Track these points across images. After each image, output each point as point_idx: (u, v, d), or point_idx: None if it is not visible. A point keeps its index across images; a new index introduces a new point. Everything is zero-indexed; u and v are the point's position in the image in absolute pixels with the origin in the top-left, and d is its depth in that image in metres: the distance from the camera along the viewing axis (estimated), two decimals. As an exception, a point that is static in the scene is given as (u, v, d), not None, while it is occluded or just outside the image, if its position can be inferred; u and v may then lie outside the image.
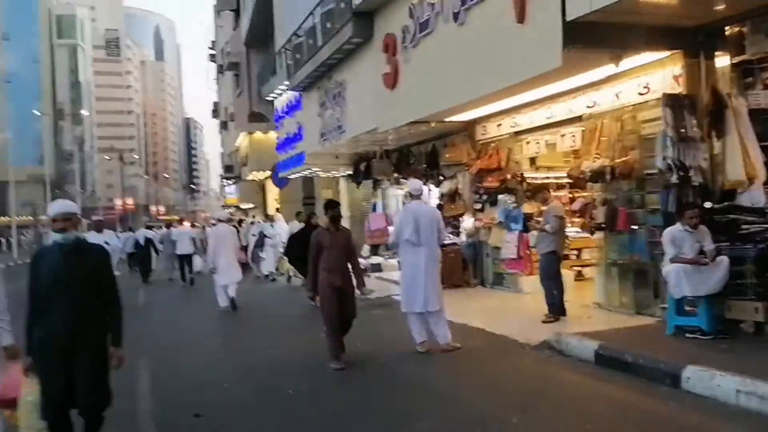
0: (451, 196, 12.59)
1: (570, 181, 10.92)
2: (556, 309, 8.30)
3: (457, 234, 12.52)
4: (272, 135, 26.58)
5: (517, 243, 10.74)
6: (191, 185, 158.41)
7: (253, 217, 24.76)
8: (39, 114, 59.93)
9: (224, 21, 37.44)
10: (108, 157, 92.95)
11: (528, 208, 10.90)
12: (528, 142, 10.81)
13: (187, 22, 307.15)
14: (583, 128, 9.14)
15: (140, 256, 19.65)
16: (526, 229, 10.72)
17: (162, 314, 12.44)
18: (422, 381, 6.33)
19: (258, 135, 27.29)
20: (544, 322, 8.24)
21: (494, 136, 11.61)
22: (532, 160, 11.62)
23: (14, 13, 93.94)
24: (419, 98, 10.49)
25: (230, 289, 11.84)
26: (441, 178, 12.81)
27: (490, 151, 11.56)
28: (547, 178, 11.85)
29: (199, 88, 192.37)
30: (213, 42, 44.27)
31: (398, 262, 8.68)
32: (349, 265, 7.07)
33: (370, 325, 9.23)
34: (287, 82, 17.19)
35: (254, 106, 30.82)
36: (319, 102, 15.20)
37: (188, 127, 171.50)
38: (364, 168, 16.45)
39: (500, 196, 11.12)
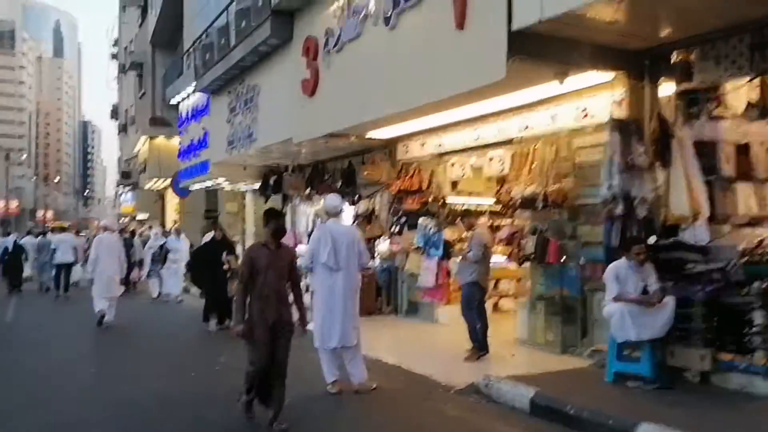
0: (367, 217, 11.78)
1: (492, 208, 10.43)
2: (479, 345, 7.59)
3: (372, 257, 11.68)
4: (175, 142, 24.90)
5: (436, 270, 10.05)
6: (85, 191, 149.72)
7: (151, 228, 22.90)
8: None
9: (129, 17, 35.30)
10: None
11: (449, 233, 10.26)
12: (453, 164, 10.17)
13: (91, 21, 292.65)
14: (513, 152, 8.59)
15: (9, 264, 18.10)
16: (446, 256, 10.07)
17: (31, 333, 10.77)
18: (333, 427, 5.39)
19: (160, 140, 25.49)
20: (466, 359, 7.52)
21: (417, 156, 10.92)
22: (454, 184, 10.98)
23: None
24: (339, 109, 9.66)
25: (105, 303, 11.02)
26: (357, 197, 11.96)
27: (411, 171, 10.85)
28: (467, 203, 11.32)
29: (99, 91, 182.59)
30: (116, 40, 41.69)
31: (309, 288, 7.66)
32: (290, 294, 5.49)
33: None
34: (194, 84, 15.89)
35: (157, 110, 28.94)
36: (228, 107, 14.04)
37: (85, 131, 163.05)
38: (273, 182, 15.36)
39: (420, 220, 10.40)
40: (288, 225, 15.96)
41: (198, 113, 16.75)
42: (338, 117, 9.77)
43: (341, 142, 11.28)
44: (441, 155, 10.41)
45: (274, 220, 5.44)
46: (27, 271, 19.04)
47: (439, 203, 10.36)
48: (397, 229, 11.10)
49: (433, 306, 10.32)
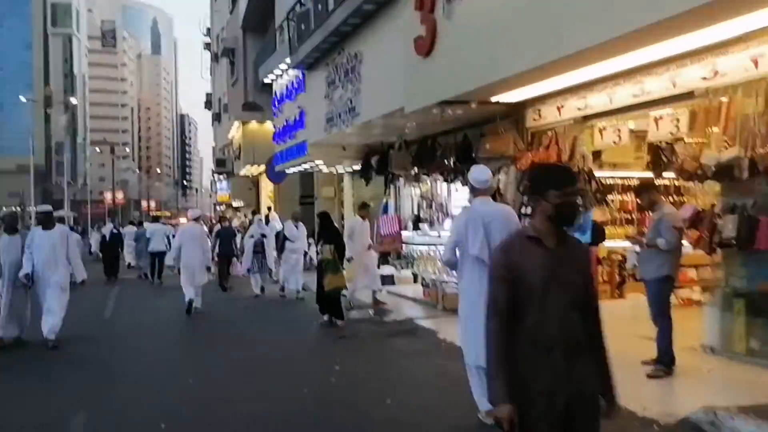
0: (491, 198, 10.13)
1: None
2: (668, 356, 5.86)
3: (497, 244, 10.11)
4: (269, 126, 24.13)
5: (583, 259, 8.31)
6: (184, 182, 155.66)
7: (248, 216, 22.21)
8: (25, 100, 56.56)
9: (221, 5, 35.02)
10: (99, 150, 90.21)
11: (598, 214, 8.50)
12: (603, 129, 8.35)
13: (185, 18, 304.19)
14: (692, 108, 6.73)
15: (106, 252, 18.73)
16: (595, 241, 8.32)
17: (131, 338, 9.88)
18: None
19: (253, 125, 24.81)
20: (651, 375, 5.81)
21: (551, 122, 9.14)
22: (595, 155, 9.18)
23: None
24: (461, 69, 8.09)
25: (193, 291, 11.00)
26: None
27: (546, 141, 9.11)
28: (614, 177, 9.54)
29: (194, 84, 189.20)
30: (208, 29, 41.76)
31: (458, 287, 6.16)
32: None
33: (396, 366, 6.82)
34: (289, 60, 14.73)
35: (249, 95, 28.40)
36: (326, 81, 12.74)
37: (183, 124, 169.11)
38: (376, 162, 13.98)
39: (561, 198, 8.66)
40: (391, 209, 14.60)
41: (293, 92, 15.61)
42: (459, 79, 8.21)
43: (460, 110, 9.69)
44: (585, 119, 8.62)
45: (560, 182, 2.65)
46: (128, 259, 20.21)
47: (585, 178, 8.58)
48: (529, 210, 9.40)
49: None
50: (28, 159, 53.54)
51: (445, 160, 11.52)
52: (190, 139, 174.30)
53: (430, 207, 14.25)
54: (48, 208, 9.09)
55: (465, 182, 11.27)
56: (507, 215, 5.01)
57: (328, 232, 9.88)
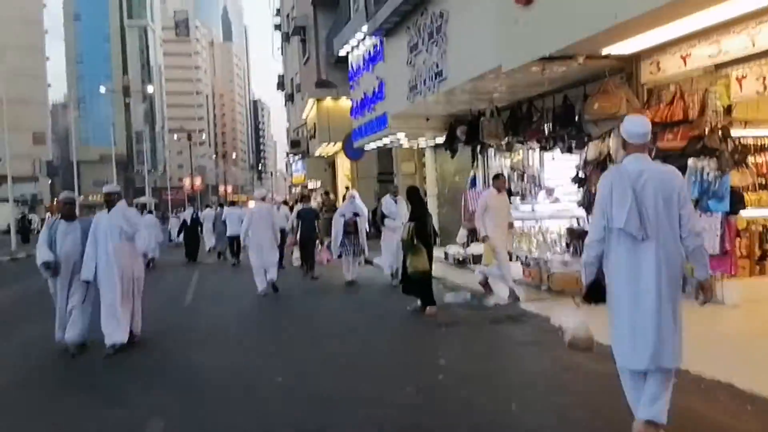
0: (600, 164, 9.01)
1: None
2: None
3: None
4: (344, 102, 23.46)
5: (719, 230, 7.15)
6: (258, 166, 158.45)
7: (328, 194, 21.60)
8: (104, 91, 58.27)
9: (290, -18, 34.48)
10: (177, 137, 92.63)
11: (736, 178, 7.30)
12: (742, 78, 7.11)
13: (255, 4, 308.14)
14: None
15: (187, 235, 18.94)
16: (734, 210, 7.15)
17: (210, 332, 9.39)
18: None
19: (327, 102, 24.14)
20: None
21: (673, 75, 7.93)
22: (727, 111, 7.90)
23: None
24: (570, 16, 7.05)
25: (270, 271, 10.94)
26: (586, 138, 9.22)
27: (670, 96, 7.91)
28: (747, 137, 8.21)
29: (265, 70, 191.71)
30: (278, 10, 41.43)
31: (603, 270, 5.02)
32: None
33: (510, 360, 5.95)
34: (365, 28, 13.88)
35: (322, 72, 27.77)
36: (408, 46, 11.83)
37: (255, 109, 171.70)
38: (462, 132, 13.00)
39: (689, 162, 7.49)
40: (480, 182, 13.63)
41: (370, 61, 14.76)
42: (565, 29, 7.19)
43: (563, 66, 8.59)
44: (717, 68, 7.39)
45: None
46: (208, 243, 20.21)
47: (720, 137, 7.36)
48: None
49: (715, 280, 7.43)
50: (111, 149, 55.16)
51: (542, 126, 10.45)
52: (263, 123, 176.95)
53: (522, 179, 13.19)
54: (113, 188, 7.59)
55: (565, 148, 10.21)
56: (670, 176, 3.94)
57: (415, 208, 8.99)
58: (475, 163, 13.48)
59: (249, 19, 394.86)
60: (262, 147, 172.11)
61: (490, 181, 13.43)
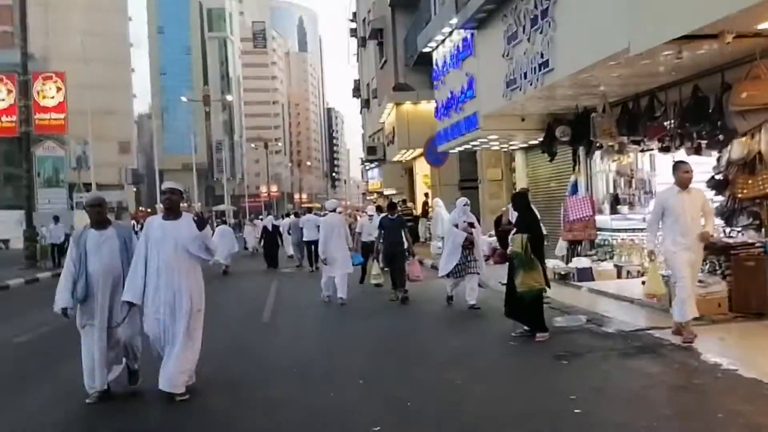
0: (747, 165, 7.54)
1: None
2: None
3: (758, 227, 7.49)
4: (424, 107, 22.41)
5: None
6: (332, 174, 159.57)
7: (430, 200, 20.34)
8: (186, 100, 59.56)
9: (366, -14, 33.83)
10: (254, 146, 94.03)
11: None
12: None
13: (329, 14, 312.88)
14: None
15: (267, 243, 19.13)
16: None
17: (290, 359, 8.45)
18: None
19: (407, 107, 23.11)
20: None
21: None
22: None
23: (167, 7, 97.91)
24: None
25: (340, 287, 10.59)
26: (728, 136, 7.74)
27: None
28: None
29: (340, 79, 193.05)
30: (354, 14, 40.88)
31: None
32: None
33: (671, 416, 4.64)
34: (454, 20, 12.76)
35: (400, 76, 26.87)
36: (505, 36, 10.61)
37: (329, 117, 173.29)
38: (563, 132, 11.65)
39: None
40: (582, 188, 12.24)
41: (458, 58, 13.61)
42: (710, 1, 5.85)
43: (703, 46, 7.19)
44: None
45: None
46: (288, 251, 20.05)
47: None
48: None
49: None
50: (192, 157, 56.16)
51: (668, 122, 9.01)
52: (337, 132, 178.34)
53: (629, 185, 11.73)
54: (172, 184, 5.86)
55: (692, 149, 8.74)
56: None
57: (524, 216, 7.76)
58: (577, 167, 12.10)
59: (323, 29, 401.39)
60: (335, 155, 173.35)
61: (594, 185, 12.08)
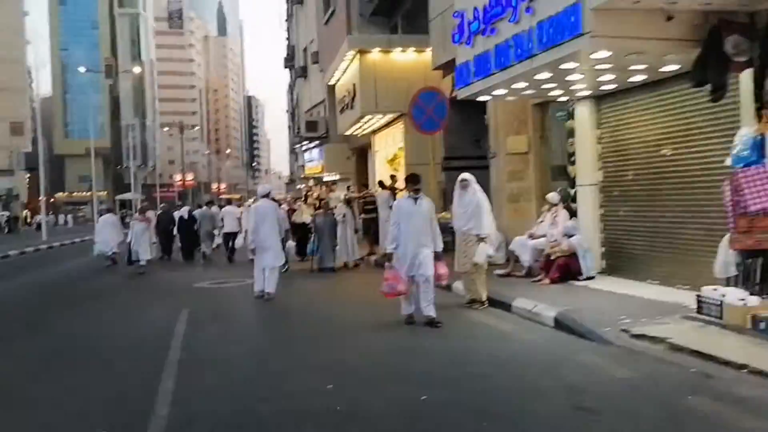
0: None
1: None
2: None
3: None
4: (399, 56, 16.54)
5: None
6: (252, 164, 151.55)
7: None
8: (84, 70, 51.31)
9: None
10: (168, 131, 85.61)
11: None
12: None
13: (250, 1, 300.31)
14: None
15: (183, 234, 18.21)
16: None
17: None
18: None
19: (375, 56, 16.83)
20: None
21: None
22: None
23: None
24: None
25: (269, 280, 9.86)
26: None
27: None
28: None
29: (259, 67, 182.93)
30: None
31: None
32: None
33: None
34: None
35: (354, 30, 20.79)
36: None
37: (249, 105, 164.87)
38: (740, 47, 6.10)
39: None
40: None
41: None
42: None
43: None
44: None
45: None
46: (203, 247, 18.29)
47: None
48: None
49: None
50: (97, 142, 48.89)
51: None
52: (257, 121, 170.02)
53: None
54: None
55: None
56: None
57: None
58: (762, 112, 6.51)
59: (244, 15, 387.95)
60: (255, 144, 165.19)
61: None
